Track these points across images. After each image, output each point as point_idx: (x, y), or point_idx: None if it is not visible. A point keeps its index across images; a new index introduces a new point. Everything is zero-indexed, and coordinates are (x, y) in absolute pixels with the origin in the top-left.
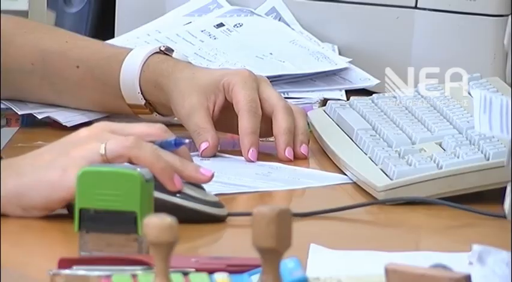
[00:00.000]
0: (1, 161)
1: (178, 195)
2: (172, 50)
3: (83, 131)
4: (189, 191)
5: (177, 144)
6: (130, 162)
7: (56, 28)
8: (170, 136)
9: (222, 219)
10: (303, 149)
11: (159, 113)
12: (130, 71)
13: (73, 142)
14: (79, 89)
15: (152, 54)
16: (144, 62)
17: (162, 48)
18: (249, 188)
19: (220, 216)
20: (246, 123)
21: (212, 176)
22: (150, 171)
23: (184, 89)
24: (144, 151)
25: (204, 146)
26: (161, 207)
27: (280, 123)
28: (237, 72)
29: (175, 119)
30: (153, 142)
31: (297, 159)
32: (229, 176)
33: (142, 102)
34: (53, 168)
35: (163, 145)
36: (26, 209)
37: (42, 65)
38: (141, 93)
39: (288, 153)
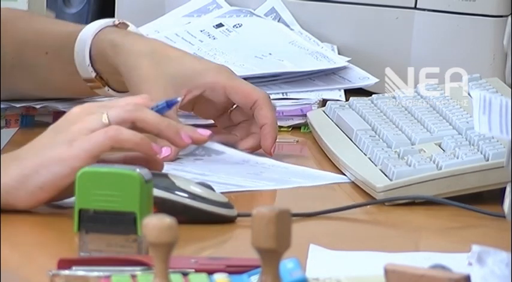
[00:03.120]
0: (0, 155)
1: (187, 196)
2: (128, 25)
3: (74, 109)
4: (199, 191)
5: (170, 105)
6: (134, 127)
7: (35, 15)
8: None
9: (231, 220)
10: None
11: (111, 88)
12: (82, 43)
13: (69, 120)
14: (50, 75)
15: (105, 27)
16: (96, 34)
17: (117, 22)
18: (240, 187)
19: (230, 217)
20: (272, 115)
21: (211, 135)
22: (157, 131)
23: (148, 74)
24: (147, 112)
25: (165, 152)
26: (171, 208)
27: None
28: (219, 70)
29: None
30: None
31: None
32: (220, 176)
33: (93, 74)
34: (57, 145)
35: (157, 110)
36: (33, 191)
37: (20, 58)
38: (92, 66)
39: (273, 150)
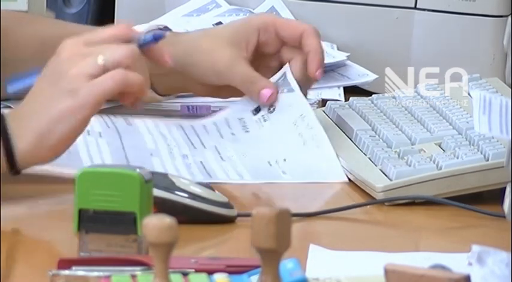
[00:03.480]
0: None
1: (187, 196)
2: (170, 29)
3: (63, 52)
4: (199, 191)
5: (157, 38)
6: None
7: (54, 19)
8: (137, 33)
9: (231, 220)
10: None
11: (155, 91)
12: None
13: (62, 65)
14: None
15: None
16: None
17: (161, 27)
18: (242, 179)
19: (230, 217)
20: (317, 43)
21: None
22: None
23: (209, 45)
24: (137, 60)
25: (267, 92)
26: (171, 208)
27: (314, 41)
28: (266, 14)
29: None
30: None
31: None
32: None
33: None
34: (62, 97)
35: (145, 43)
36: (52, 147)
37: (41, 54)
38: None
39: (319, 74)
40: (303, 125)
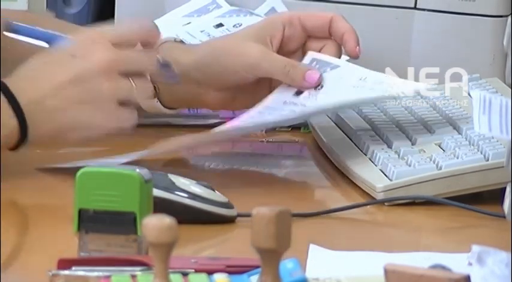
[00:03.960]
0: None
1: (187, 196)
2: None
3: (95, 57)
4: (199, 191)
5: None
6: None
7: (56, 19)
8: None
9: (231, 220)
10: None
11: (160, 101)
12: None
13: (92, 71)
14: None
15: (168, 41)
16: (159, 45)
17: (177, 40)
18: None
19: (230, 217)
20: (349, 25)
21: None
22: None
23: (234, 43)
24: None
25: (314, 74)
26: (170, 208)
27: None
28: (289, 10)
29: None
30: None
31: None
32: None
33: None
34: (88, 108)
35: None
36: (65, 142)
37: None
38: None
39: (359, 51)
40: (370, 83)
